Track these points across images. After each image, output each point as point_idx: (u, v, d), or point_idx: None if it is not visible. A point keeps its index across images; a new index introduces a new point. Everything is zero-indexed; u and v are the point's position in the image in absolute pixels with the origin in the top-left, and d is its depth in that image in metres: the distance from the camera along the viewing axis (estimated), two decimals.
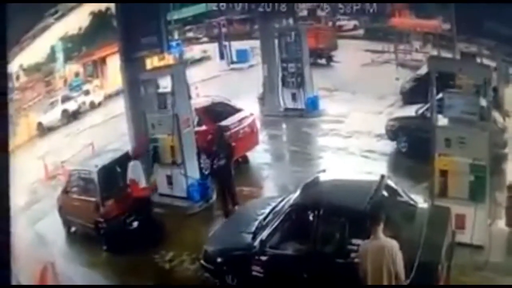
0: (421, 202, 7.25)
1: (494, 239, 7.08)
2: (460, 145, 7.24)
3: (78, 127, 13.75)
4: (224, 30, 17.70)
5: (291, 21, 15.58)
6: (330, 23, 16.67)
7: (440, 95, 7.52)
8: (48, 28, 9.98)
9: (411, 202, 7.00)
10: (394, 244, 5.21)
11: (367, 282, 5.29)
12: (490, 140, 7.19)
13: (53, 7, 9.80)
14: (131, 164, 8.79)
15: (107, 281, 8.02)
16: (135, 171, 8.69)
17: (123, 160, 9.49)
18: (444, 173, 7.37)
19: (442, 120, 7.54)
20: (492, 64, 8.81)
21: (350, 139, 12.40)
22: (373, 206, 6.05)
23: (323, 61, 15.85)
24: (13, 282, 7.06)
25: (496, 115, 9.13)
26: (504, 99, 10.05)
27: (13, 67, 9.26)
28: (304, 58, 14.41)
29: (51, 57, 10.79)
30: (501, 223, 7.39)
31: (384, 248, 5.16)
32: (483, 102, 7.35)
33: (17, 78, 10.06)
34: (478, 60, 9.01)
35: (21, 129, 10.80)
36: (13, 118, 9.15)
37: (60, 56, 10.94)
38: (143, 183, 8.64)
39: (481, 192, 7.16)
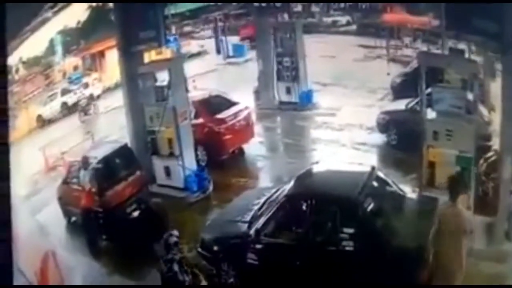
0: (409, 192, 7.51)
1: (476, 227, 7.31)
2: (447, 138, 7.47)
3: (77, 119, 13.86)
4: (220, 24, 17.77)
5: (286, 16, 15.71)
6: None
7: (429, 89, 7.72)
8: (46, 22, 10.02)
9: (400, 192, 7.25)
10: (469, 214, 5.70)
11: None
12: (476, 133, 7.43)
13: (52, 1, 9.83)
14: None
15: (107, 270, 8.22)
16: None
17: (122, 152, 9.73)
18: (432, 165, 7.62)
19: (430, 114, 7.75)
20: (479, 59, 9.02)
21: (342, 132, 12.60)
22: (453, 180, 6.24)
23: None
24: (15, 271, 7.20)
25: (482, 109, 9.41)
26: (490, 93, 10.32)
27: (13, 60, 9.32)
28: (299, 53, 14.55)
29: (50, 50, 10.87)
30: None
31: (460, 215, 5.59)
32: (470, 96, 7.57)
33: (17, 71, 10.13)
34: (466, 55, 9.20)
35: (21, 122, 10.89)
36: (13, 111, 9.23)
37: (59, 49, 11.02)
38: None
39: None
